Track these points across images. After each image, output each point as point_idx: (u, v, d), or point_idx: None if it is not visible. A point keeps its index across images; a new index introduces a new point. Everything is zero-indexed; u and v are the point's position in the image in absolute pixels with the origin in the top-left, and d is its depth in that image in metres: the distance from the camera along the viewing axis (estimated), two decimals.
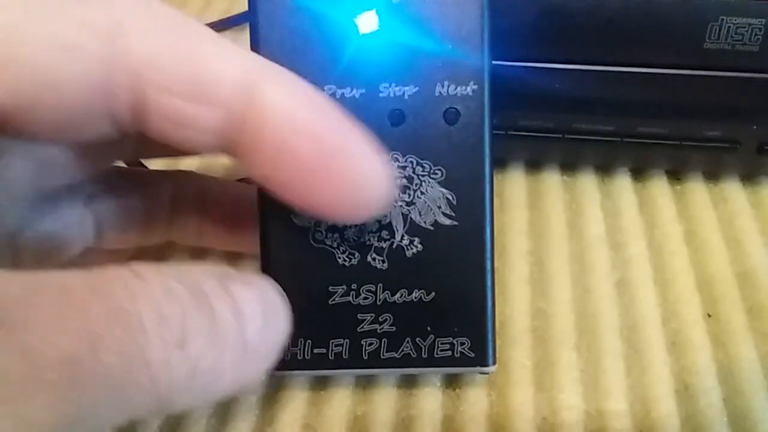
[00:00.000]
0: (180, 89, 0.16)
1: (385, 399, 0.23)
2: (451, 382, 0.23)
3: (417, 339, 0.21)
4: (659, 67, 0.25)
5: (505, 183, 0.30)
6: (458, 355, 0.21)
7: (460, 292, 0.21)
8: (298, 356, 0.21)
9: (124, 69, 0.16)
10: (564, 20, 0.25)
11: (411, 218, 0.20)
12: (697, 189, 0.29)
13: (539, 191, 0.29)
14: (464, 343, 0.21)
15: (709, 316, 0.25)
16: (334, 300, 0.21)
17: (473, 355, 0.21)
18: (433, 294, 0.21)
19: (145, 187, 0.25)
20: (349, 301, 0.21)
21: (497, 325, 0.21)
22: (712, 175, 0.29)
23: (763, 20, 0.24)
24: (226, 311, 0.17)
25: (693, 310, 0.25)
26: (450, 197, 0.20)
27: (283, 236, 0.21)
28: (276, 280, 0.19)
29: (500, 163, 0.30)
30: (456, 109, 0.20)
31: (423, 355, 0.21)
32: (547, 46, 0.25)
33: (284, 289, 0.18)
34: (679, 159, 0.28)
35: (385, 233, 0.20)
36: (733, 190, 0.29)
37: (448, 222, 0.20)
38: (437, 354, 0.21)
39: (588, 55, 0.25)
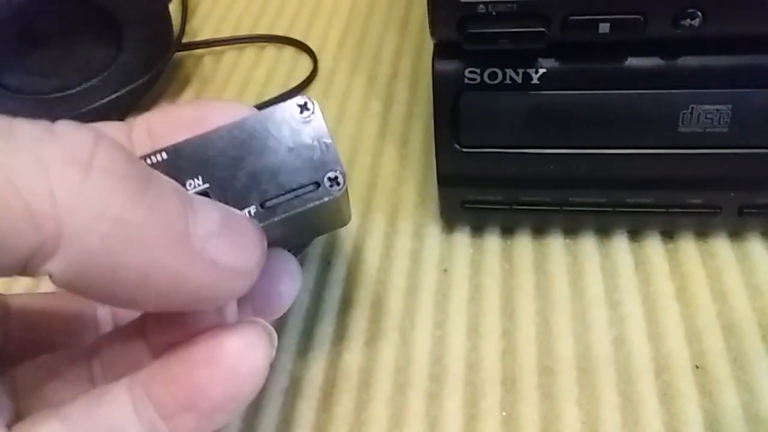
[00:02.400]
0: None
1: None
2: None
3: None
4: (640, 149, 0.28)
5: (514, 248, 0.33)
6: None
7: None
8: None
9: None
10: (556, 114, 0.28)
11: None
12: (688, 247, 0.32)
13: (545, 255, 0.33)
14: None
15: (697, 367, 0.28)
16: None
17: None
18: None
19: None
20: None
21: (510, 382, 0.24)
22: (702, 233, 0.32)
23: (730, 105, 0.27)
24: (168, 188, 0.16)
25: (683, 362, 0.28)
26: None
27: None
28: None
29: (509, 231, 0.34)
30: None
31: None
32: (541, 135, 0.29)
33: None
34: (669, 222, 0.32)
35: None
36: (721, 246, 0.32)
37: None
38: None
39: (578, 141, 0.29)
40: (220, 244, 0.17)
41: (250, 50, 0.48)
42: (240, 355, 0.19)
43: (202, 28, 0.50)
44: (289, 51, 0.47)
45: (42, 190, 0.14)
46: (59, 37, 0.41)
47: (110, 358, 0.22)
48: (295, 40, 0.47)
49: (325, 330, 0.31)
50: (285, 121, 0.20)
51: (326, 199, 0.20)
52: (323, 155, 0.20)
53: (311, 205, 0.20)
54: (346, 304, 0.32)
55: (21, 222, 0.14)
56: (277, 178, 0.20)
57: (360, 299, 0.32)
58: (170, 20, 0.43)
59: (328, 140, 0.20)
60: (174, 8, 0.44)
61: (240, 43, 0.48)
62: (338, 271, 0.33)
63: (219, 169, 0.20)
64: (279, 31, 0.48)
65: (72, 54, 0.41)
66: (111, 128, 0.22)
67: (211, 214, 0.17)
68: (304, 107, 0.20)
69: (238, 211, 0.19)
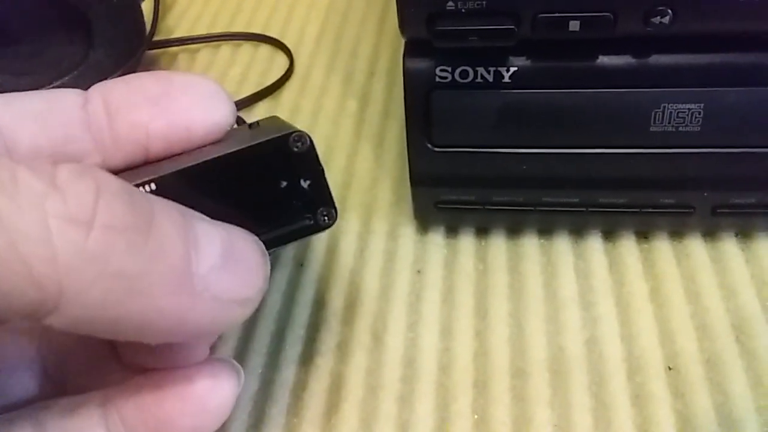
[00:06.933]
0: None
1: None
2: None
3: None
4: (612, 148, 0.28)
5: (488, 248, 0.33)
6: None
7: None
8: None
9: None
10: (527, 112, 0.28)
11: None
12: (662, 247, 0.32)
13: (519, 255, 0.32)
14: None
15: (670, 369, 0.28)
16: None
17: None
18: None
19: None
20: None
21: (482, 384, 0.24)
22: (677, 234, 0.32)
23: (702, 104, 0.27)
24: (170, 228, 0.16)
25: (655, 363, 0.28)
26: None
27: None
28: None
29: (483, 231, 0.33)
30: None
31: None
32: (513, 134, 0.29)
33: None
34: (643, 222, 0.31)
35: None
36: (695, 246, 0.32)
37: None
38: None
39: (549, 140, 0.28)
40: (222, 279, 0.17)
41: (226, 48, 0.47)
42: (209, 392, 0.19)
43: (177, 25, 0.50)
44: (265, 49, 0.47)
45: (44, 254, 0.14)
46: (30, 36, 0.40)
47: (77, 364, 0.22)
48: (272, 38, 0.47)
49: (297, 332, 0.30)
50: (278, 154, 0.20)
51: (318, 233, 0.21)
52: (316, 189, 0.20)
53: (302, 238, 0.21)
54: (318, 306, 0.31)
55: (23, 284, 0.14)
56: (269, 212, 0.20)
57: (333, 301, 0.32)
58: (142, 18, 0.42)
59: (321, 174, 0.21)
60: (147, 6, 0.43)
61: (215, 40, 0.47)
62: (311, 273, 0.33)
63: (210, 200, 0.20)
64: (255, 29, 0.48)
65: (43, 52, 0.41)
66: (66, 97, 0.21)
67: (213, 243, 0.17)
68: (297, 141, 0.20)
69: (240, 231, 0.19)
